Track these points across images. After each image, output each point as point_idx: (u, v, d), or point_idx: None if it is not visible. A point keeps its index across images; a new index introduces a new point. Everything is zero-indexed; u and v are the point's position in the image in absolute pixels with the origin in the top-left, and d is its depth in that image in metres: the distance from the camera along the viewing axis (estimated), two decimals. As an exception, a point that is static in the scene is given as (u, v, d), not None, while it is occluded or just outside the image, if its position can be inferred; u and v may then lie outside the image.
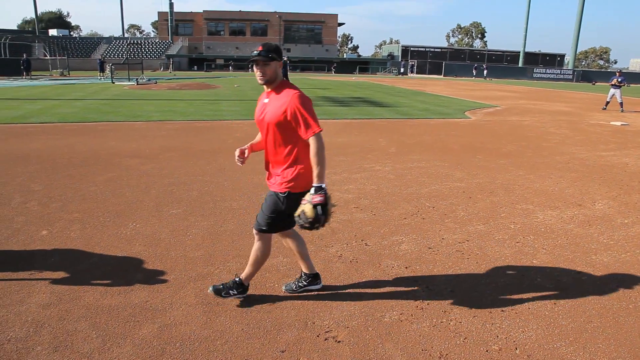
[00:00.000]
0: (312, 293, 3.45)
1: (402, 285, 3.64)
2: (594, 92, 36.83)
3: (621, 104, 19.82)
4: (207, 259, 3.96)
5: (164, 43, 63.18)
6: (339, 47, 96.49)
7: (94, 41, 65.35)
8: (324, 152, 2.89)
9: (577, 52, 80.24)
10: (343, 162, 7.77)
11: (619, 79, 19.73)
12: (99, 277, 3.62)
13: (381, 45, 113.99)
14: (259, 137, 3.28)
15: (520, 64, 70.43)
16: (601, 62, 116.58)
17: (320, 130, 2.89)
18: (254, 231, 3.19)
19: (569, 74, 67.58)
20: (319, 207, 2.84)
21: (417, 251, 4.32)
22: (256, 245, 3.23)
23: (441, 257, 4.22)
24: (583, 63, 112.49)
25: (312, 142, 2.87)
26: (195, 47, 66.41)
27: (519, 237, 4.80)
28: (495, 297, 3.54)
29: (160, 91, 21.55)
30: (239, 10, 69.99)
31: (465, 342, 2.96)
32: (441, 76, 60.67)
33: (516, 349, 2.92)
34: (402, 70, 61.81)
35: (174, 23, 65.70)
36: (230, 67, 56.17)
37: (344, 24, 78.50)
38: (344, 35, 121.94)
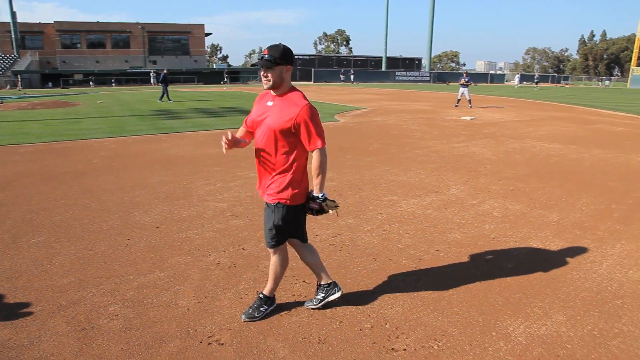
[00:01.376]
0: (192, 302, 3.48)
1: (280, 283, 3.82)
2: (448, 91, 40.83)
3: (469, 100, 22.33)
4: (77, 284, 3.77)
5: (8, 58, 56.55)
6: (208, 58, 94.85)
7: None
8: (326, 165, 2.98)
9: (432, 56, 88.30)
10: (217, 172, 7.79)
11: (466, 79, 22.27)
12: (-51, 321, 3.27)
13: (251, 54, 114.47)
14: (241, 131, 3.24)
15: (383, 68, 75.40)
16: (453, 65, 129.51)
17: (325, 145, 2.96)
18: (270, 249, 3.25)
19: (427, 76, 74.05)
20: (314, 212, 3.12)
21: (292, 250, 4.53)
22: (273, 259, 3.26)
23: (316, 252, 4.49)
24: (438, 65, 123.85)
25: (315, 154, 2.94)
26: (47, 61, 60.49)
27: (385, 226, 5.27)
28: (367, 282, 3.89)
29: (8, 112, 19.39)
30: (96, 21, 65.14)
31: (341, 325, 3.23)
32: (311, 82, 62.67)
33: (386, 323, 3.26)
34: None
35: (19, 35, 59.14)
36: (90, 83, 52.07)
37: (211, 34, 77.35)
38: (212, 45, 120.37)
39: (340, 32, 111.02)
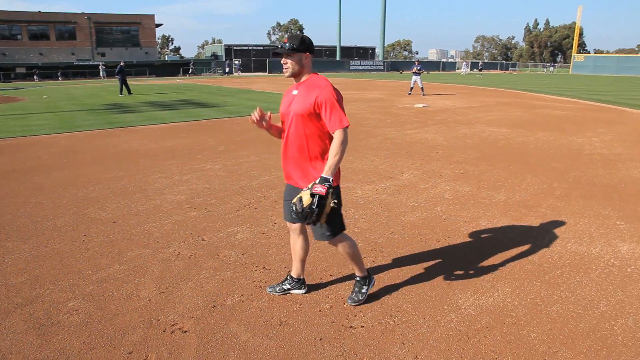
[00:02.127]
0: (154, 293, 3.51)
1: (241, 270, 3.91)
2: (401, 79, 41.53)
3: (422, 88, 22.84)
4: (33, 282, 3.71)
5: (-63, 51, 53.00)
6: (159, 50, 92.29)
7: None
8: (346, 147, 2.85)
9: (386, 45, 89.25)
10: (173, 165, 7.72)
11: (418, 67, 22.71)
12: None
13: (204, 45, 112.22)
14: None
15: (337, 58, 75.72)
16: (405, 53, 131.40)
17: (348, 126, 2.88)
18: (332, 245, 3.22)
19: (381, 65, 74.93)
20: (316, 198, 2.74)
21: (252, 238, 4.62)
22: (340, 249, 3.25)
23: (275, 239, 4.59)
24: (391, 54, 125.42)
25: (338, 134, 2.84)
26: (-16, 54, 57.26)
27: (342, 212, 5.39)
28: (325, 266, 4.02)
29: (-55, 110, 18.32)
30: (38, 11, 61.89)
31: (301, 307, 3.35)
32: (266, 73, 62.20)
33: (344, 303, 3.40)
34: (227, 69, 61.77)
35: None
36: (35, 77, 49.68)
37: (162, 24, 75.08)
38: (163, 36, 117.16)
39: (294, 22, 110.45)
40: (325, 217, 2.86)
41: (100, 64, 52.47)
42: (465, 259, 4.17)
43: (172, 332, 3.01)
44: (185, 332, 3.02)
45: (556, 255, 4.26)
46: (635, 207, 5.61)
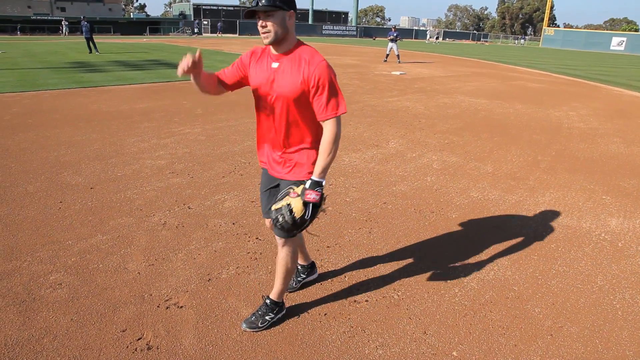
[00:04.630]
0: (143, 266, 3.30)
1: (233, 241, 3.73)
2: (375, 46, 41.06)
3: (398, 56, 22.60)
4: (8, 253, 3.43)
5: None
6: (123, 6, 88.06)
7: None
8: (339, 142, 2.34)
9: (359, 10, 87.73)
10: (149, 128, 7.35)
11: (394, 34, 22.38)
12: None
13: (171, 3, 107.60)
14: (209, 73, 2.48)
15: (310, 22, 74.06)
16: (378, 19, 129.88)
17: (345, 112, 2.34)
18: (277, 239, 2.57)
19: (353, 31, 73.84)
20: (309, 207, 2.27)
21: (242, 206, 4.43)
22: (283, 252, 2.58)
23: (265, 209, 4.41)
24: (364, 20, 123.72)
25: (330, 125, 2.29)
26: None
27: (331, 180, 5.26)
28: (321, 237, 3.88)
29: None
30: (-12, -41, 57.64)
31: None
32: (236, 35, 60.38)
33: (345, 277, 3.29)
34: (196, 30, 59.64)
35: None
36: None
37: (125, -21, 71.26)
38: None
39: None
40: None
41: (63, 20, 49.57)
42: (460, 232, 4.12)
43: (167, 308, 2.83)
44: (181, 307, 2.85)
45: (549, 229, 4.25)
46: (618, 182, 5.68)
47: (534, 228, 4.25)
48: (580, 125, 9.07)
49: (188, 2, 71.32)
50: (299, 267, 3.14)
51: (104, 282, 3.08)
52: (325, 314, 2.85)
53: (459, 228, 4.19)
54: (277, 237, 2.56)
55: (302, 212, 2.26)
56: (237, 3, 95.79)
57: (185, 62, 2.23)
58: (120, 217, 4.08)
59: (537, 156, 6.65)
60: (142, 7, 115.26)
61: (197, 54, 2.25)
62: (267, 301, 2.73)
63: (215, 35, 56.57)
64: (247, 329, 2.66)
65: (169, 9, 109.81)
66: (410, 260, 3.57)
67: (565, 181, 5.61)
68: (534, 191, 5.22)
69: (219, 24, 58.17)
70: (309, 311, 2.87)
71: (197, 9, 68.15)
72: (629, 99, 13.57)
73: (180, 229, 3.92)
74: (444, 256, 3.65)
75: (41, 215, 4.08)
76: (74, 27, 46.14)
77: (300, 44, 2.37)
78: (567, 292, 3.22)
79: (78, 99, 9.89)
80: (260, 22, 2.26)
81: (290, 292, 3.06)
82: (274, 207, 2.35)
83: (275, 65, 2.35)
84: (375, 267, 3.43)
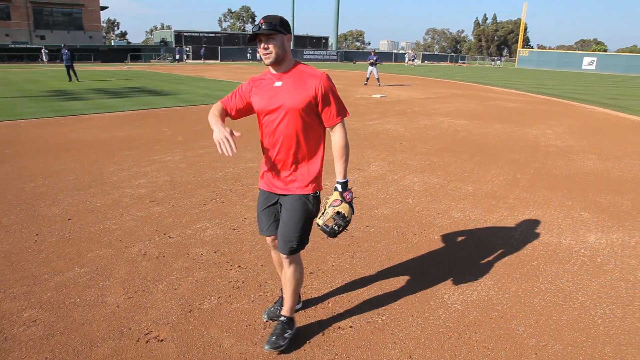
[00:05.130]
0: (122, 299, 3.23)
1: (215, 270, 3.67)
2: (356, 70, 41.64)
3: (378, 79, 22.93)
4: (-19, 289, 3.32)
5: None
6: (104, 34, 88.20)
7: None
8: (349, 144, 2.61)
9: (339, 35, 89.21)
10: (130, 157, 7.28)
11: (374, 58, 22.75)
12: None
13: (152, 31, 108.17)
14: (219, 110, 2.60)
15: (291, 47, 74.88)
16: (358, 44, 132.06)
17: (348, 116, 2.60)
18: (284, 256, 2.65)
19: (334, 55, 74.79)
20: (352, 205, 2.58)
21: (223, 234, 4.38)
22: (290, 269, 2.69)
23: (247, 235, 4.37)
24: (344, 44, 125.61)
25: (339, 128, 2.56)
26: None
27: (312, 205, 5.24)
28: (304, 262, 3.83)
29: None
30: (-35, -10, 57.27)
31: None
32: (218, 61, 60.74)
33: (329, 303, 3.26)
34: (177, 56, 59.83)
35: None
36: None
37: (107, 7, 71.26)
38: (109, 20, 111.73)
39: (246, 9, 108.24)
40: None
41: (43, 48, 49.26)
42: (443, 253, 4.13)
43: (147, 342, 2.76)
44: (162, 340, 2.78)
45: (530, 247, 4.29)
46: (594, 198, 5.78)
47: (515, 246, 4.29)
48: (557, 143, 9.25)
49: (169, 29, 71.68)
50: (282, 296, 3.06)
51: (81, 317, 3.00)
52: (309, 342, 2.80)
53: (442, 249, 4.20)
54: (282, 256, 2.65)
55: (350, 211, 2.55)
56: (218, 30, 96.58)
57: (227, 148, 2.31)
58: (99, 249, 4.00)
59: (516, 175, 6.75)
60: (123, 34, 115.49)
61: (237, 134, 2.38)
62: (283, 319, 2.82)
63: (198, 61, 56.82)
64: (272, 350, 2.70)
65: (150, 36, 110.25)
66: (393, 283, 3.55)
67: (545, 199, 5.69)
68: (514, 210, 5.28)
69: (202, 50, 58.47)
70: (293, 339, 2.82)
71: (178, 36, 68.47)
72: (602, 116, 13.94)
73: (160, 259, 3.86)
74: (427, 278, 3.64)
75: (16, 249, 3.97)
76: (54, 55, 45.89)
77: (297, 62, 2.59)
78: (549, 310, 3.23)
79: (57, 128, 9.78)
80: (262, 45, 2.44)
81: (273, 321, 3.00)
82: (321, 222, 2.57)
83: (278, 84, 2.54)
84: (359, 291, 3.41)
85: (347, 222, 2.57)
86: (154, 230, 4.43)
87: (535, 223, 4.89)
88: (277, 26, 2.43)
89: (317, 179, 2.63)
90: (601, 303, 3.35)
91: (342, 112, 2.57)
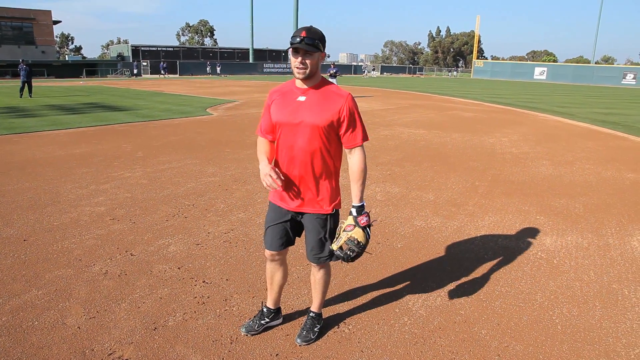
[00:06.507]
0: (83, 319, 3.13)
1: (179, 287, 3.62)
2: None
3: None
4: None
5: None
6: (58, 49, 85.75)
7: None
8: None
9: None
10: (88, 174, 7.08)
11: (334, 70, 23.01)
12: None
13: (108, 45, 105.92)
14: (264, 146, 2.72)
15: (250, 60, 74.83)
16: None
17: (367, 140, 2.62)
18: (317, 266, 2.81)
19: (294, 67, 75.11)
20: (368, 230, 2.55)
21: (187, 250, 4.33)
22: (320, 274, 2.85)
23: (211, 250, 4.33)
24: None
25: (358, 151, 2.57)
26: None
27: (277, 218, 5.24)
28: (259, 272, 3.82)
29: None
30: None
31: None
32: (177, 75, 60.03)
33: (295, 315, 3.26)
34: (135, 71, 58.77)
35: None
36: None
37: (60, 21, 69.39)
38: (62, 34, 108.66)
39: (204, 23, 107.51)
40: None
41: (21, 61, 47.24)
42: (406, 260, 4.20)
43: (110, 363, 2.69)
44: (126, 360, 2.71)
45: (490, 251, 4.43)
46: (549, 202, 6.03)
47: (476, 252, 4.42)
48: (512, 150, 9.61)
49: (126, 43, 70.33)
50: (264, 309, 3.06)
51: (39, 340, 2.89)
52: (277, 355, 2.80)
53: (405, 257, 4.28)
54: (316, 266, 2.82)
55: (366, 237, 2.53)
56: (177, 44, 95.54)
57: (271, 182, 2.48)
58: (58, 269, 3.87)
59: (475, 182, 6.96)
60: (78, 49, 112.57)
61: (274, 175, 2.49)
62: (312, 314, 3.00)
63: (157, 76, 55.82)
64: (303, 343, 2.87)
65: (106, 51, 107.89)
66: (358, 292, 3.60)
67: (502, 204, 5.89)
68: (474, 216, 5.44)
69: (162, 64, 57.56)
70: (260, 352, 2.81)
71: (135, 50, 67.30)
72: (554, 124, 14.58)
73: (122, 277, 3.77)
74: (392, 286, 3.70)
75: (17, 265, 3.80)
76: (4, 71, 44.23)
77: (325, 80, 2.58)
78: (510, 312, 3.34)
79: (9, 146, 9.42)
80: (299, 59, 2.40)
81: (252, 335, 2.98)
82: (335, 247, 2.56)
83: (302, 98, 2.52)
84: (327, 303, 3.42)
85: (362, 248, 2.54)
86: (115, 249, 4.32)
87: (494, 228, 5.05)
88: (319, 43, 2.41)
89: (335, 198, 2.69)
90: (558, 303, 3.50)
91: (364, 135, 2.59)
